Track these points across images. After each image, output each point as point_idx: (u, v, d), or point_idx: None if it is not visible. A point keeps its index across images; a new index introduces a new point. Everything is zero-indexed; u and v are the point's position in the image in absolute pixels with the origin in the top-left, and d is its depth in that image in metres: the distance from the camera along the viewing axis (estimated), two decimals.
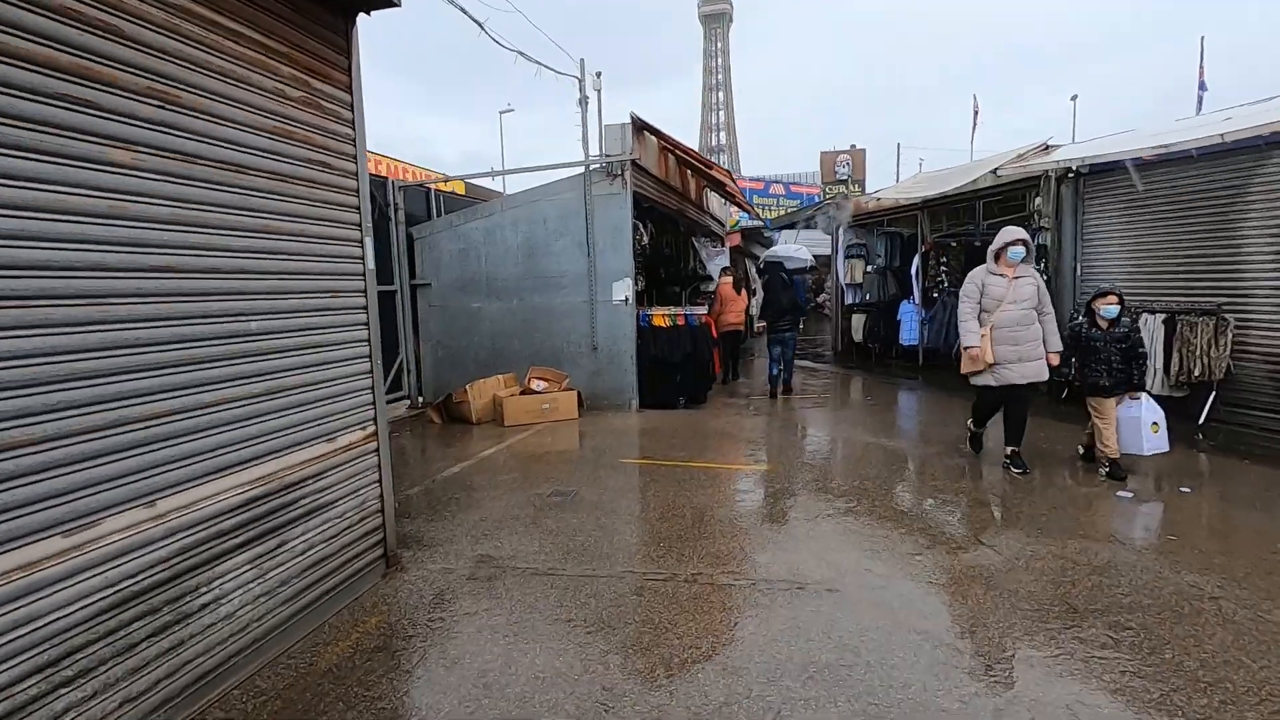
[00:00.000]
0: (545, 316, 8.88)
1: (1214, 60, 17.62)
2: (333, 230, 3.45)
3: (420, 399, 9.35)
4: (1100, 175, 8.71)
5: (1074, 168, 8.98)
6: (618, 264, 8.55)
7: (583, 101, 8.10)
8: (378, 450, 3.76)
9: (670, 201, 10.65)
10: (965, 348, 5.67)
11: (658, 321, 8.74)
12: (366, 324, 3.69)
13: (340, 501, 3.46)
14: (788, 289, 9.91)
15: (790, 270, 11.27)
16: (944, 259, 11.69)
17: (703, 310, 9.15)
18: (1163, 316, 7.47)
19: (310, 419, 3.27)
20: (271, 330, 3.05)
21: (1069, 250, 9.13)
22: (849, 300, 14.39)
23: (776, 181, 38.82)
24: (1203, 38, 17.32)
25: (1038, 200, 12.94)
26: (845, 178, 39.24)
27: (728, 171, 9.13)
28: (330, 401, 3.40)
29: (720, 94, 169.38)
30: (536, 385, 8.38)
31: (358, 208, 3.62)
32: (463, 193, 13.48)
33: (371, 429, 3.71)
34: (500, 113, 34.05)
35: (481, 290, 9.08)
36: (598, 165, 8.49)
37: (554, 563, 3.94)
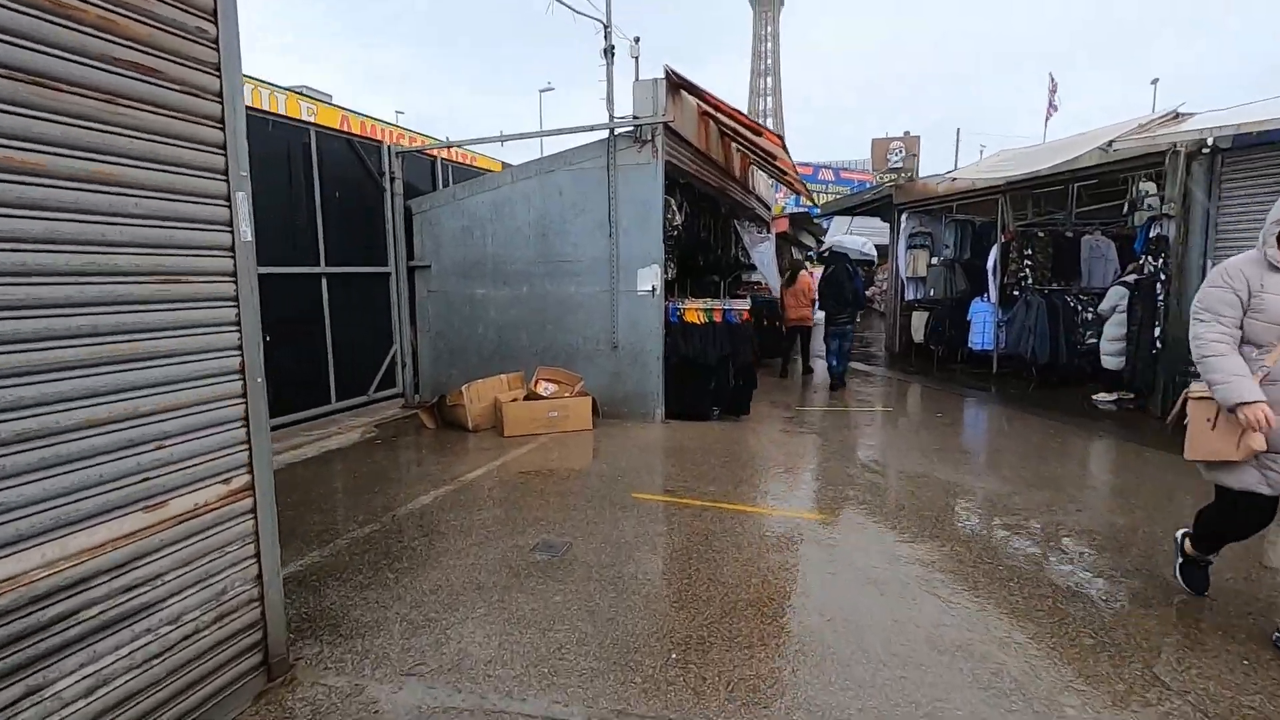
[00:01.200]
0: (558, 307, 7.61)
1: None
2: (170, 178, 2.21)
3: (417, 397, 8.20)
4: (1247, 151, 7.00)
5: (1211, 142, 7.27)
6: (644, 248, 7.21)
7: (608, 52, 6.75)
8: (254, 510, 2.53)
9: (710, 177, 9.24)
10: (1231, 407, 2.89)
11: (690, 317, 7.39)
12: (237, 323, 2.45)
13: (173, 599, 2.25)
14: (850, 280, 9.70)
15: (854, 262, 10.55)
16: (1028, 251, 10.01)
17: (744, 304, 7.78)
18: None
19: (113, 479, 2.05)
20: (33, 339, 1.84)
21: (1197, 244, 7.45)
22: (909, 296, 12.78)
23: (826, 167, 36.75)
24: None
25: (1144, 186, 11.16)
26: (898, 165, 37.06)
27: (780, 139, 7.68)
28: (157, 446, 2.18)
29: (769, 79, 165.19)
30: (544, 389, 7.13)
31: (222, 147, 2.38)
32: (482, 165, 12.28)
33: (242, 480, 2.48)
34: (540, 91, 32.78)
35: (487, 275, 7.85)
36: (625, 129, 7.14)
37: (511, 684, 2.68)
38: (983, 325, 11.00)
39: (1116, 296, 8.64)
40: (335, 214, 7.06)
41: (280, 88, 15.24)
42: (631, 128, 7.07)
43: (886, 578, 3.59)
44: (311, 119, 12.74)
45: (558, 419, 6.90)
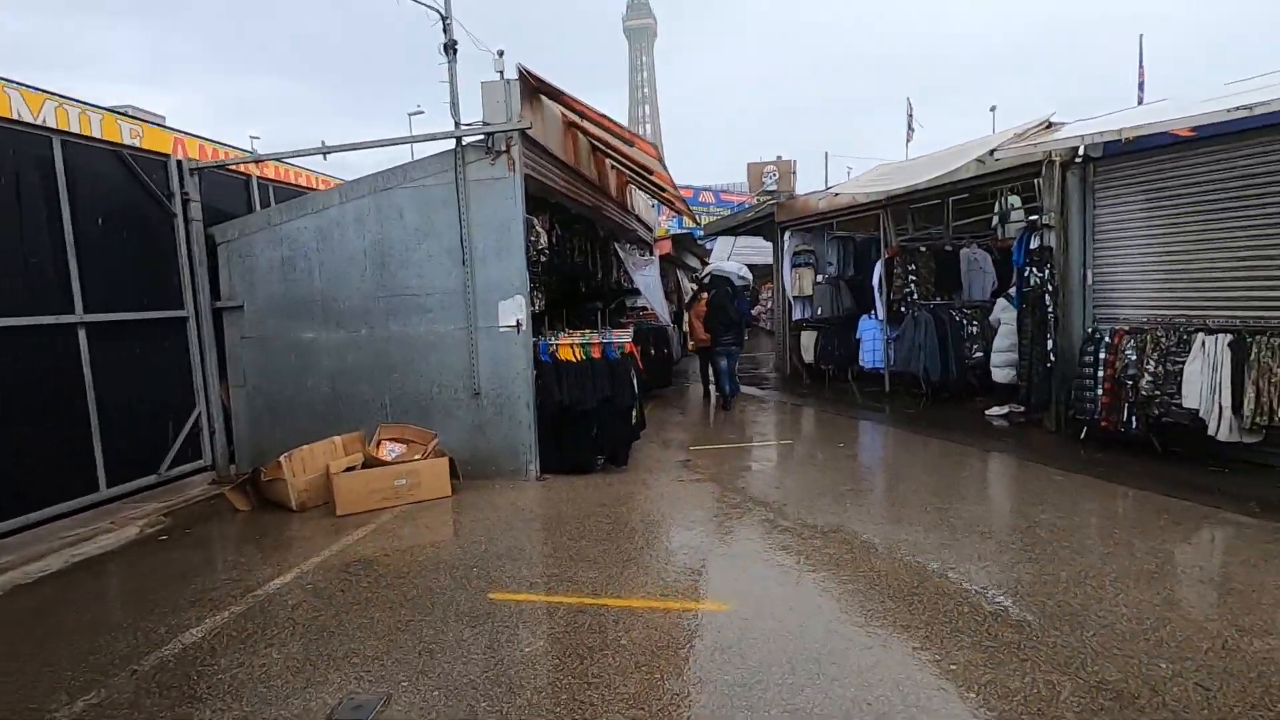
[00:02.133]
0: (406, 350, 6.36)
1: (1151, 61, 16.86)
2: None
3: (233, 468, 6.62)
4: (1117, 160, 6.95)
5: (1083, 150, 7.21)
6: (505, 276, 6.14)
7: (449, 48, 5.70)
8: None
9: (583, 195, 8.34)
10: None
11: (564, 354, 6.37)
12: None
13: None
14: (733, 302, 10.02)
15: (736, 285, 10.74)
16: (912, 266, 9.83)
17: (626, 335, 6.90)
18: (1228, 338, 5.65)
19: None
20: None
21: (1077, 254, 7.33)
22: (797, 315, 12.43)
23: (706, 189, 37.19)
24: (1141, 36, 16.44)
25: (1011, 199, 11.41)
26: (772, 188, 38.20)
27: (655, 148, 6.90)
28: None
29: (646, 107, 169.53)
30: (388, 451, 5.84)
31: None
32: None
33: None
34: (410, 115, 30.97)
35: (316, 315, 6.47)
36: (475, 139, 6.08)
37: None
38: (872, 343, 10.73)
39: (999, 309, 8.51)
40: (98, 246, 5.48)
41: (97, 107, 12.75)
42: (482, 136, 6.02)
43: (820, 708, 2.69)
44: (136, 142, 10.61)
45: (406, 488, 5.63)
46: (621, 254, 10.84)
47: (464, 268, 6.14)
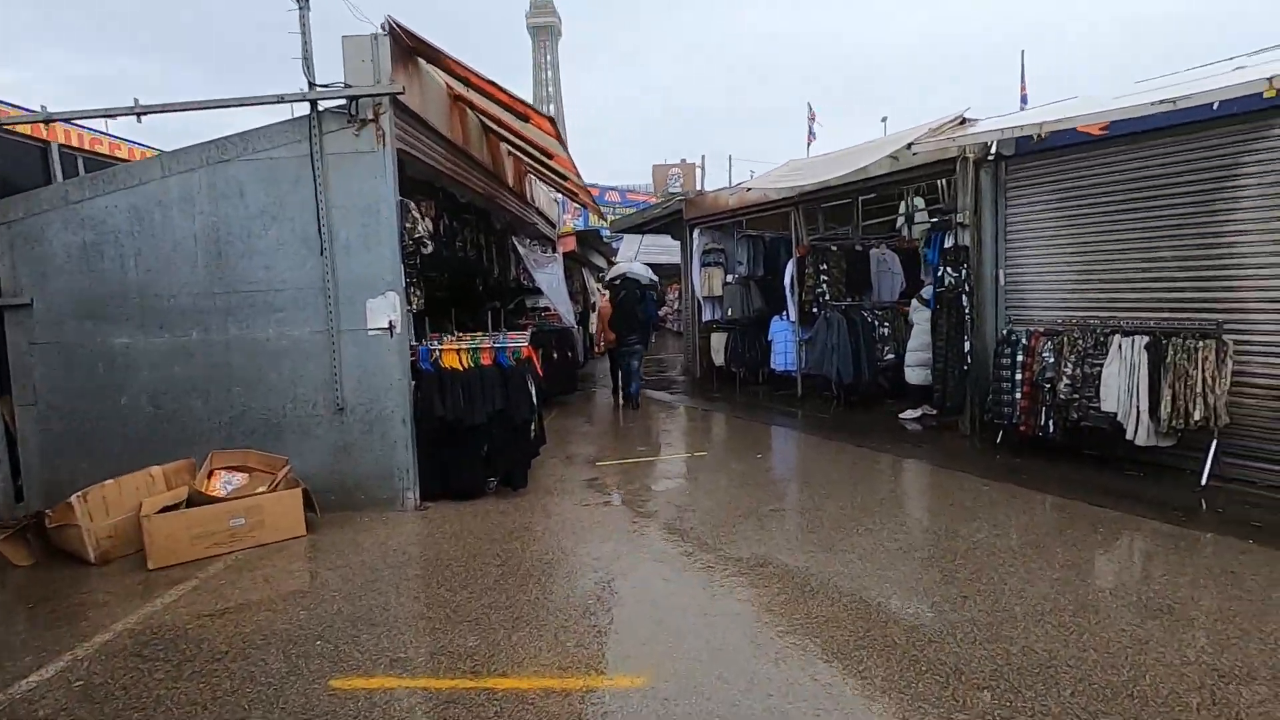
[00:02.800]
0: (251, 359, 5.24)
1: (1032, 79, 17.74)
2: None
3: (20, 509, 5.24)
4: (1028, 158, 6.82)
5: (995, 149, 7.05)
6: (375, 269, 5.17)
7: None
8: None
9: (474, 180, 7.41)
10: None
11: (449, 362, 5.46)
12: None
13: None
14: (640, 304, 10.10)
15: (643, 287, 10.59)
16: (823, 266, 9.54)
17: (522, 338, 6.08)
18: (1144, 340, 5.52)
19: None
20: None
21: (990, 254, 7.18)
22: (707, 316, 11.96)
23: (612, 189, 36.60)
24: (1023, 52, 17.25)
25: (915, 200, 11.41)
26: (676, 190, 38.20)
27: (552, 123, 6.10)
28: None
29: (551, 106, 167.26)
30: (223, 483, 4.73)
31: None
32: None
33: None
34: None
35: (131, 315, 5.23)
36: (335, 103, 5.07)
37: None
38: (784, 345, 10.40)
39: (914, 310, 8.31)
40: None
41: None
42: (344, 101, 5.02)
43: None
44: None
45: (246, 529, 4.55)
46: (521, 249, 9.94)
47: (323, 259, 5.11)
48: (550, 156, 7.44)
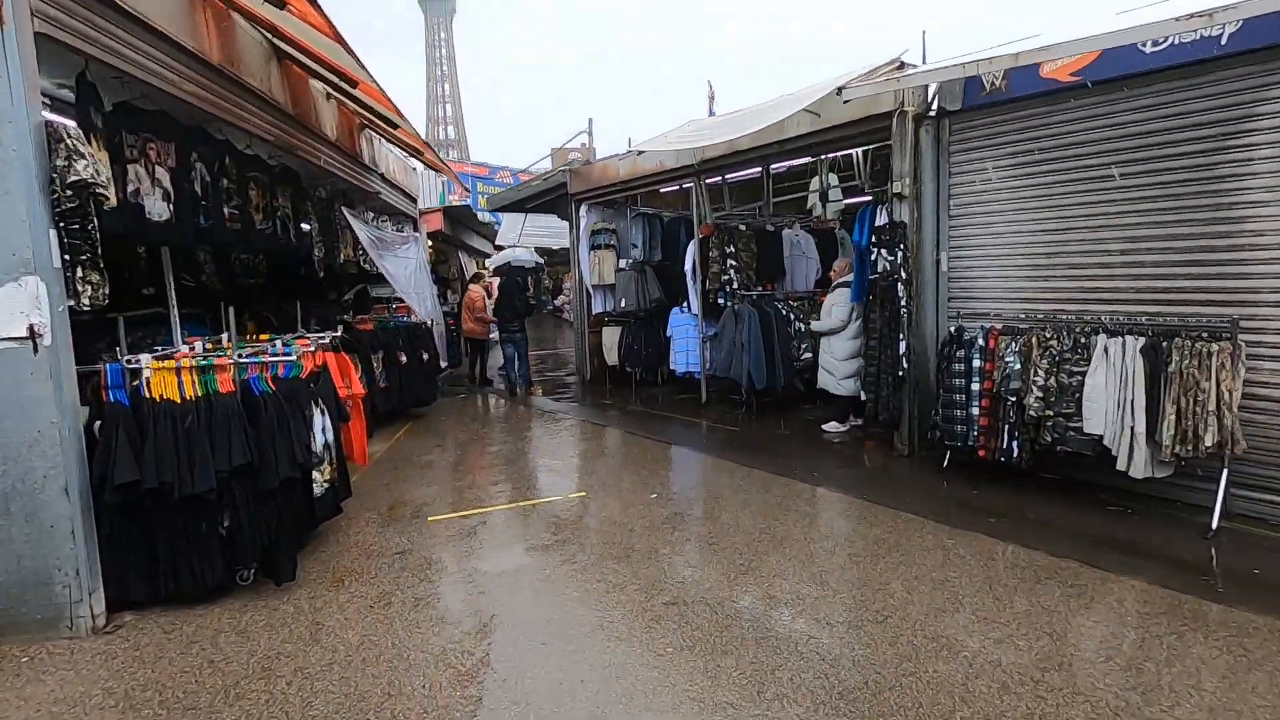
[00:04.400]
0: None
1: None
2: None
3: None
4: (978, 114, 5.50)
5: (936, 102, 5.72)
6: None
7: None
8: None
9: (249, 118, 5.25)
10: None
11: (164, 389, 3.43)
12: None
13: None
14: (521, 292, 10.55)
15: (526, 272, 11.87)
16: (730, 249, 8.03)
17: (320, 341, 4.14)
18: (1140, 342, 4.28)
19: None
20: None
21: (931, 232, 5.86)
22: (598, 307, 10.23)
23: (504, 169, 34.04)
24: (924, 32, 16.39)
25: (829, 176, 10.12)
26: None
27: (326, 20, 4.11)
28: None
29: (446, 86, 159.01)
30: None
31: None
32: None
33: None
34: None
35: None
36: None
37: None
38: (685, 342, 8.85)
39: (837, 301, 6.89)
40: None
41: None
42: None
43: None
44: None
45: None
46: (355, 225, 7.80)
47: None
48: (353, 83, 5.40)
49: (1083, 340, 4.53)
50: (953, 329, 5.42)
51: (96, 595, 3.29)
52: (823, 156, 8.71)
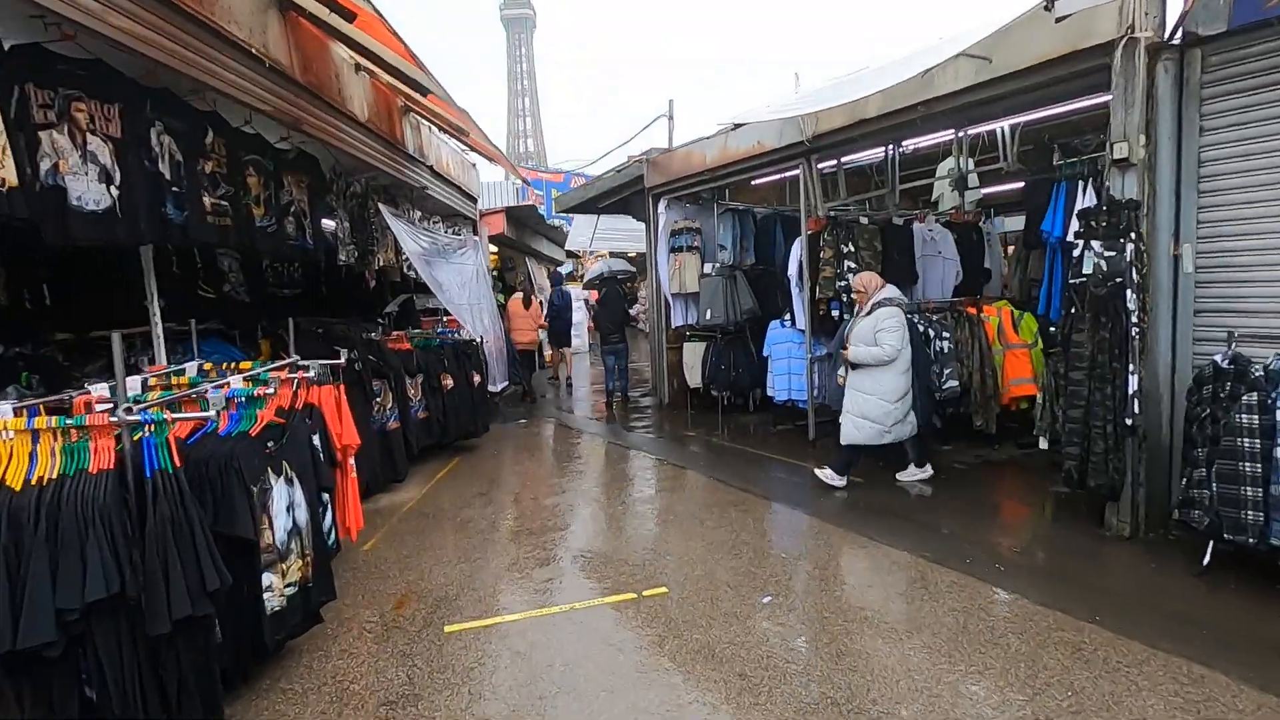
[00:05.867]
0: None
1: None
2: None
3: None
4: (1254, 37, 3.70)
5: (1178, 29, 3.92)
6: None
7: None
8: None
9: (232, 76, 4.05)
10: None
11: (5, 466, 2.17)
12: None
13: None
14: (621, 301, 10.07)
15: (622, 282, 10.90)
16: (848, 247, 6.35)
17: (303, 379, 2.88)
18: None
19: None
20: None
21: (1165, 219, 4.05)
22: (679, 320, 8.74)
23: (578, 175, 33.25)
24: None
25: (951, 163, 8.22)
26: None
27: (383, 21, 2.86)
28: None
29: (526, 99, 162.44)
30: None
31: None
32: None
33: None
34: None
35: None
36: None
37: None
38: (787, 364, 7.21)
39: (895, 325, 5.10)
40: None
41: None
42: None
43: None
44: None
45: None
46: (395, 226, 6.64)
47: None
48: (422, 92, 4.13)
49: None
50: (1221, 360, 3.59)
51: None
52: (964, 131, 6.90)
